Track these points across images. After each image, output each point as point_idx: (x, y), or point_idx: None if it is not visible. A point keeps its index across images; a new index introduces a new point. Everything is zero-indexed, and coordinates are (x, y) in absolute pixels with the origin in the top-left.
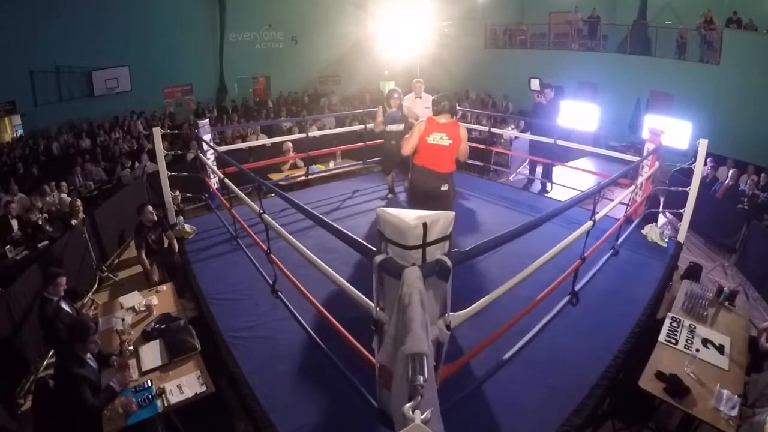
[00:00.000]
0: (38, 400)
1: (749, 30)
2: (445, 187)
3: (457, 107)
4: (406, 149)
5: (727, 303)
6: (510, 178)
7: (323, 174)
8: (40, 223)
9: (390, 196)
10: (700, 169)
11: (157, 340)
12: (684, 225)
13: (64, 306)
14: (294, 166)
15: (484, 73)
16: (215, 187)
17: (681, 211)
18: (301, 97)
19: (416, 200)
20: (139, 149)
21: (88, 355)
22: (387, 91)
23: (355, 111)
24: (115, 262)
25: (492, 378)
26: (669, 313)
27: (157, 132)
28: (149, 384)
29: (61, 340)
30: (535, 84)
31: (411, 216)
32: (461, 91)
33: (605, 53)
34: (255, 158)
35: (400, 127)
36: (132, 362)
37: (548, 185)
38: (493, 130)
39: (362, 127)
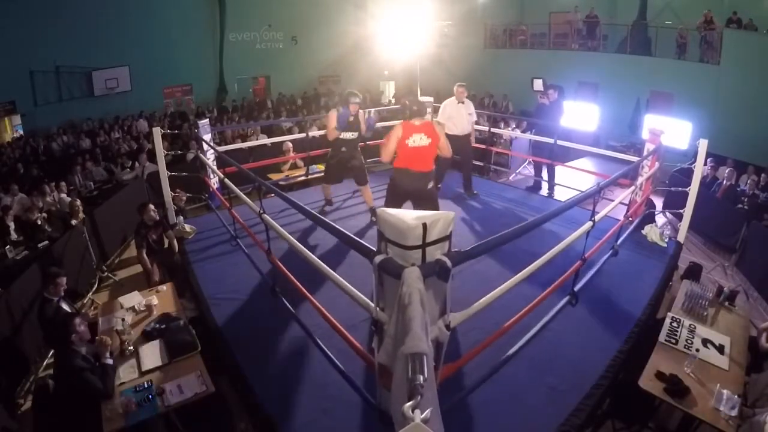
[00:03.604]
0: (38, 400)
1: (749, 30)
2: (430, 185)
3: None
4: (386, 156)
5: (727, 303)
6: (510, 178)
7: (323, 174)
8: (39, 222)
9: (328, 208)
10: (700, 169)
11: (157, 340)
12: (684, 225)
13: (64, 306)
14: (294, 166)
15: (484, 73)
16: (215, 187)
17: (681, 211)
18: (299, 97)
19: (396, 200)
20: (138, 149)
21: (84, 349)
22: (345, 93)
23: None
24: (116, 261)
25: (492, 378)
26: (669, 313)
27: (157, 132)
28: (149, 384)
29: (59, 340)
30: (537, 84)
31: (411, 216)
32: None
33: (605, 53)
34: (255, 158)
35: (355, 135)
36: (132, 361)
37: (547, 186)
38: (493, 130)
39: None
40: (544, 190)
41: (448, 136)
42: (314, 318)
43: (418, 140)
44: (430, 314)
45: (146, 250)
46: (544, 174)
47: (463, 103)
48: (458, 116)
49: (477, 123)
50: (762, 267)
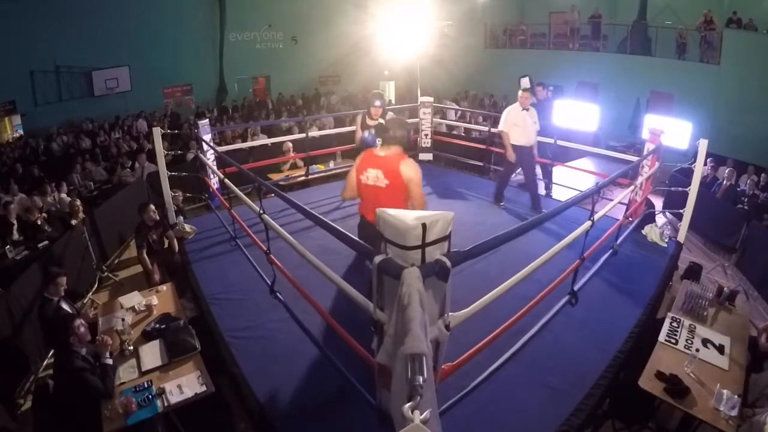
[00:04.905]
0: (38, 400)
1: (749, 30)
2: None
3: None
4: (346, 193)
5: (727, 303)
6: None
7: (323, 174)
8: (39, 223)
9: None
10: (700, 169)
11: (157, 340)
12: (684, 225)
13: (65, 306)
14: (294, 166)
15: (484, 73)
16: (215, 187)
17: (681, 211)
18: (299, 97)
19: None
20: (138, 149)
21: (84, 350)
22: (369, 96)
23: (355, 111)
24: (116, 262)
25: (491, 378)
26: (669, 313)
27: (157, 132)
28: (149, 384)
29: (59, 340)
30: (524, 83)
31: (410, 216)
32: (461, 91)
33: (605, 53)
34: (255, 158)
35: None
36: (132, 361)
37: (546, 185)
38: (493, 129)
39: None
40: (541, 189)
41: (512, 146)
42: (314, 318)
43: (373, 178)
44: (430, 314)
45: (146, 250)
46: (539, 173)
47: (527, 110)
48: (524, 125)
49: (476, 123)
50: (762, 267)
